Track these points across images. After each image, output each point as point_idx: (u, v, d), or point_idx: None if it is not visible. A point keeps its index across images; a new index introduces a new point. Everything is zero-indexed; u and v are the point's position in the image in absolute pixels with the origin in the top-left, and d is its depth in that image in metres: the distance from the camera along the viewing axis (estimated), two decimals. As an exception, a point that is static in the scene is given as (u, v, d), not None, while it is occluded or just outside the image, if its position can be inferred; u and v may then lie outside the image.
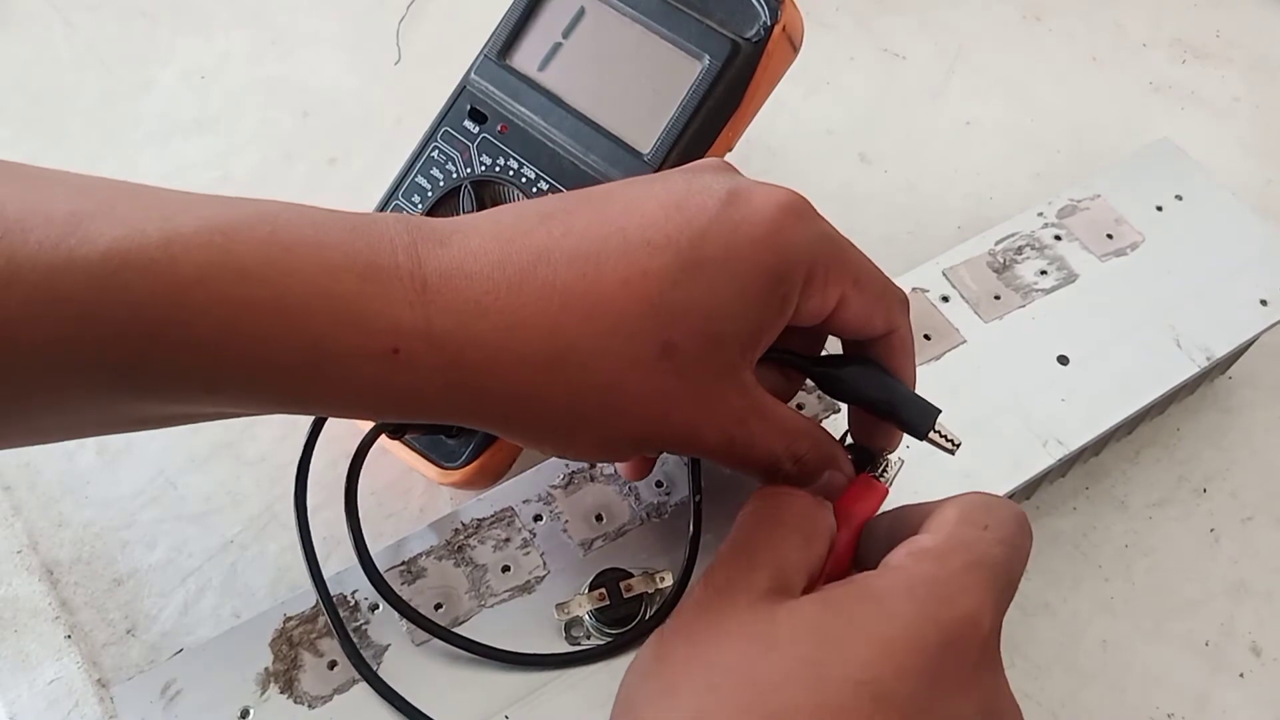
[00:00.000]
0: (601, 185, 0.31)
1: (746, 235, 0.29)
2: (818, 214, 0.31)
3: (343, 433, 0.40)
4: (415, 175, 0.42)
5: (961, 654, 0.26)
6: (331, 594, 0.36)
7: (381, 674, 0.35)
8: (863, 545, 0.33)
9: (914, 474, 0.36)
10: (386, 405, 0.28)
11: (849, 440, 0.36)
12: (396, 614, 0.36)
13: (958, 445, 0.34)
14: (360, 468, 0.37)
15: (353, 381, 0.27)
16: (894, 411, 0.34)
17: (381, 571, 0.37)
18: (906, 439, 0.35)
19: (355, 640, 0.35)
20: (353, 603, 0.36)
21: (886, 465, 0.34)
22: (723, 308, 0.29)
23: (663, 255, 0.29)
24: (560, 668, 0.35)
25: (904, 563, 0.28)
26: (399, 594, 0.36)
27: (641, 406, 0.29)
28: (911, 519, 0.31)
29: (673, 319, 0.28)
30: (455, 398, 0.28)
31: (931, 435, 0.34)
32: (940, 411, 0.34)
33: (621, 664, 0.35)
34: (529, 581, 0.37)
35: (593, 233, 0.29)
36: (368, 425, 0.38)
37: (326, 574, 0.36)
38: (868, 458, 0.34)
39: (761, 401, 0.31)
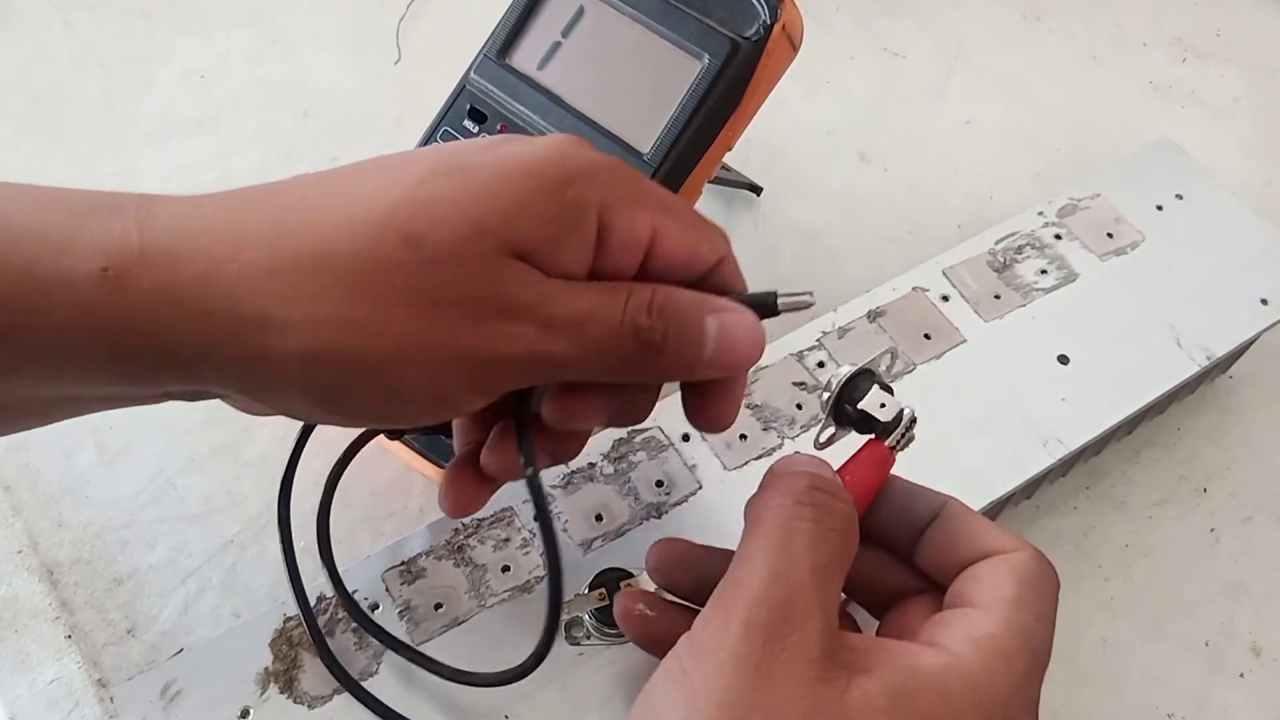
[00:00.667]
0: None
1: (516, 153, 0.27)
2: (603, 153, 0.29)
3: (344, 433, 0.40)
4: (415, 175, 0.42)
5: None
6: (330, 595, 0.36)
7: (382, 673, 0.35)
8: (888, 523, 0.31)
9: (914, 474, 0.36)
10: (103, 342, 0.25)
11: (845, 403, 0.32)
12: (396, 614, 0.36)
13: (810, 293, 0.30)
14: (335, 486, 0.37)
15: (65, 309, 0.24)
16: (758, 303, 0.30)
17: (381, 571, 0.37)
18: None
19: (356, 639, 0.35)
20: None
21: (900, 430, 0.31)
22: (484, 195, 0.26)
23: (414, 166, 0.26)
24: (510, 682, 0.33)
25: (969, 655, 0.26)
26: (367, 612, 0.36)
27: (400, 317, 0.25)
28: (961, 539, 0.29)
29: (418, 210, 0.25)
30: (179, 324, 0.25)
31: (781, 302, 0.30)
32: (777, 290, 0.30)
33: (599, 667, 0.35)
34: (529, 581, 0.37)
35: (347, 168, 0.27)
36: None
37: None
38: (876, 426, 0.31)
39: (566, 285, 0.27)
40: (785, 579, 0.26)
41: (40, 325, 0.24)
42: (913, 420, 0.31)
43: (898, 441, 0.31)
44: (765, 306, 0.30)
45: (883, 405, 0.31)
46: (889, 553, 0.31)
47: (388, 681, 0.35)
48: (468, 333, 0.26)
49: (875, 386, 0.31)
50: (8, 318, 0.24)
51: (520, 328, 0.26)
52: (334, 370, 0.25)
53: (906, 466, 0.33)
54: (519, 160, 0.27)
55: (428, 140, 0.42)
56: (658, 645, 0.30)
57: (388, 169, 0.27)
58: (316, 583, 0.36)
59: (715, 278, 0.30)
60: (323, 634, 0.35)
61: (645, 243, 0.28)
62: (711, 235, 0.30)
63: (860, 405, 0.31)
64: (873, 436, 0.31)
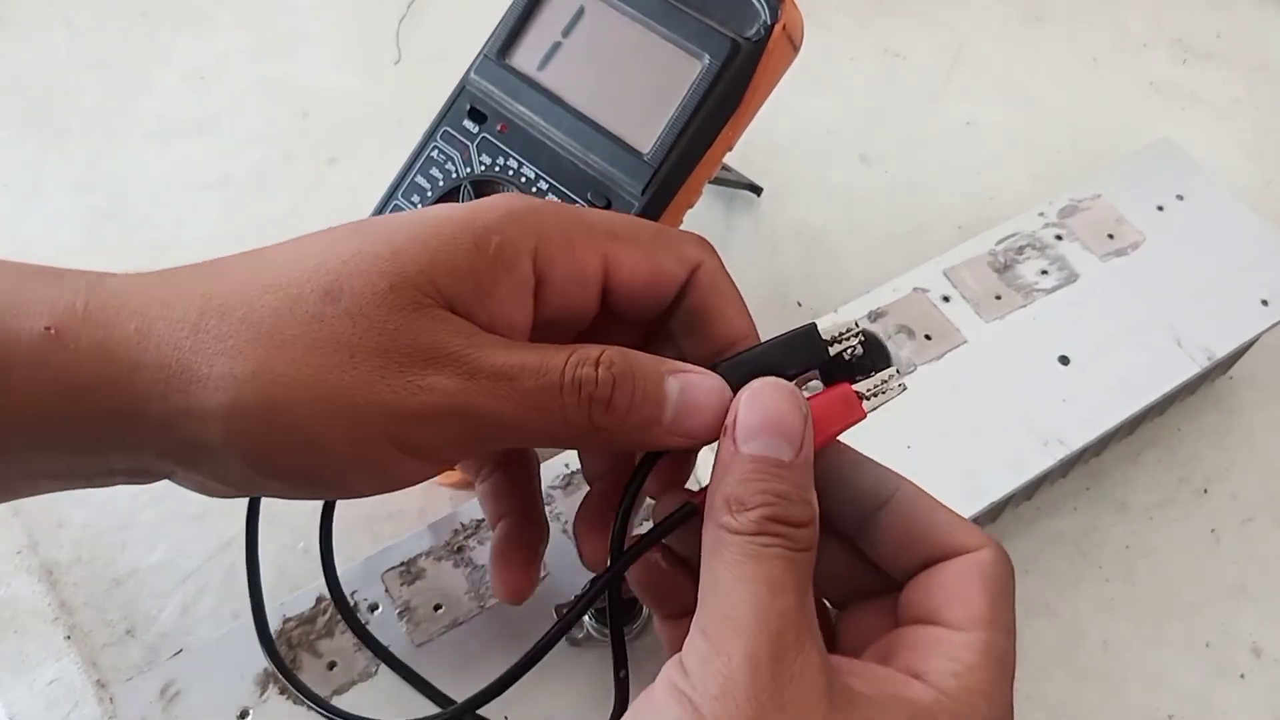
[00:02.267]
0: None
1: (443, 208, 0.27)
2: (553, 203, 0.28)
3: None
4: (415, 175, 0.42)
5: None
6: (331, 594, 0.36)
7: (381, 674, 0.35)
8: (834, 501, 0.28)
9: (914, 475, 0.36)
10: (44, 404, 0.25)
11: (856, 346, 0.28)
12: (395, 614, 0.36)
13: (857, 329, 0.28)
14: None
15: (10, 369, 0.25)
16: (776, 362, 0.27)
17: (381, 572, 0.37)
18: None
19: (356, 641, 0.35)
20: (352, 603, 0.36)
21: (879, 384, 0.27)
22: (405, 247, 0.26)
23: (341, 229, 0.27)
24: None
25: (954, 690, 0.25)
26: (360, 620, 0.36)
27: (317, 368, 0.25)
28: (918, 532, 0.28)
29: (337, 267, 0.25)
30: (110, 382, 0.25)
31: (833, 350, 0.27)
32: (815, 324, 0.28)
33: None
34: (529, 582, 0.37)
35: (289, 241, 0.27)
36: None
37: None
38: (859, 369, 0.28)
39: (502, 340, 0.26)
40: (774, 608, 0.24)
41: None
42: (887, 378, 0.28)
43: (869, 391, 0.28)
44: (810, 364, 0.27)
45: (861, 354, 0.28)
46: (839, 539, 0.29)
47: (386, 684, 0.35)
48: (384, 383, 0.25)
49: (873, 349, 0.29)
50: None
51: (441, 378, 0.25)
52: (256, 425, 0.25)
53: (908, 468, 0.33)
54: (443, 213, 0.27)
55: (428, 140, 0.42)
56: (658, 596, 0.30)
57: (317, 237, 0.27)
58: (315, 584, 0.36)
59: (695, 296, 0.28)
60: (290, 668, 0.35)
61: (597, 276, 0.27)
62: (676, 248, 0.28)
63: (836, 349, 0.28)
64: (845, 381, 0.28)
